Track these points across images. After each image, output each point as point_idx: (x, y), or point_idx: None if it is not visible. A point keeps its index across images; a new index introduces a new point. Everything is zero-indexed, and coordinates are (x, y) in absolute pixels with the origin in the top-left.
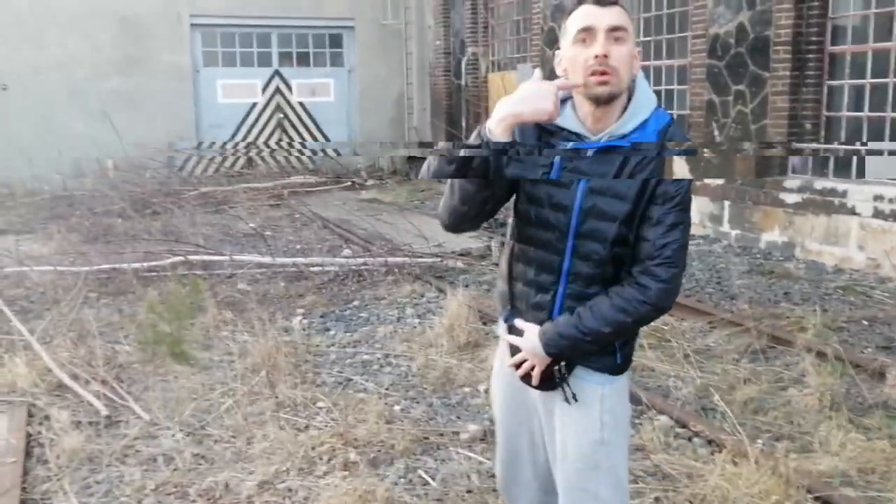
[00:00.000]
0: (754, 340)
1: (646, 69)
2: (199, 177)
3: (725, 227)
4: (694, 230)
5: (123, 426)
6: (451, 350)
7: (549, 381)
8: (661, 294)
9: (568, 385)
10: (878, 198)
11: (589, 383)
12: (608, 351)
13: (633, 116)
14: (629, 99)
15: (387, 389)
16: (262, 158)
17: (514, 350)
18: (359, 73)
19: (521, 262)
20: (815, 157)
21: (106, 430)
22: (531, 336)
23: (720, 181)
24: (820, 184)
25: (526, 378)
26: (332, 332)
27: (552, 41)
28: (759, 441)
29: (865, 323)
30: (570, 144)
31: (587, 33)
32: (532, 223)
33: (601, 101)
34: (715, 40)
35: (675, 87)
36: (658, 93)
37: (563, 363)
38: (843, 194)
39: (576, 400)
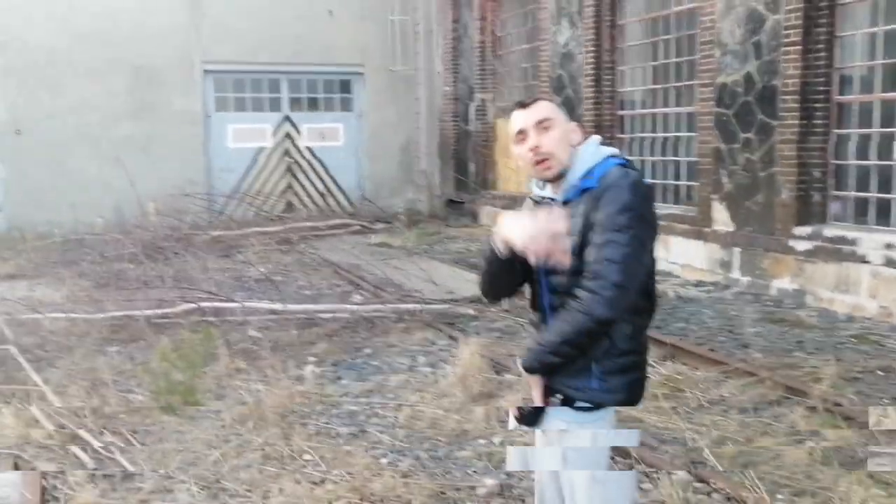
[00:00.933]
0: (769, 391)
1: (653, 116)
2: (238, 220)
3: (735, 274)
4: (704, 276)
5: (138, 479)
6: (464, 400)
7: (533, 416)
8: (592, 303)
9: (543, 413)
10: (889, 246)
11: (574, 414)
12: (583, 376)
13: (576, 172)
14: None
15: (402, 441)
16: (303, 202)
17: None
18: (369, 117)
19: (532, 308)
20: (855, 205)
21: (121, 484)
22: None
23: (730, 228)
24: (830, 231)
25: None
26: (344, 382)
27: (560, 87)
28: (780, 496)
29: (881, 373)
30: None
31: (522, 134)
32: (529, 270)
33: (552, 180)
34: (722, 89)
35: (685, 133)
36: (666, 140)
37: (556, 397)
38: (854, 242)
39: (537, 423)
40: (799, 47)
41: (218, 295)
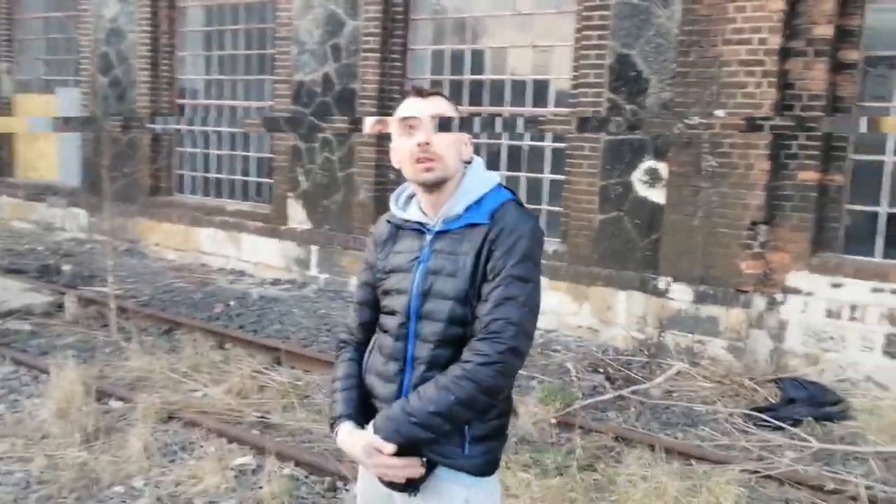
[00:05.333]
0: None
1: (221, 108)
2: None
3: (314, 272)
4: (280, 274)
5: None
6: (79, 441)
7: (407, 481)
8: (485, 371)
9: (420, 482)
10: None
11: (449, 484)
12: (454, 442)
13: (462, 197)
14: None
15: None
16: None
17: None
18: None
19: (374, 351)
20: None
21: None
22: (367, 434)
23: (307, 226)
24: None
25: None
26: None
27: (107, 67)
28: None
29: None
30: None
31: (409, 123)
32: (383, 311)
33: (430, 187)
34: (300, 87)
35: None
36: (233, 135)
37: (422, 460)
38: None
39: (416, 492)
40: (377, 55)
41: None
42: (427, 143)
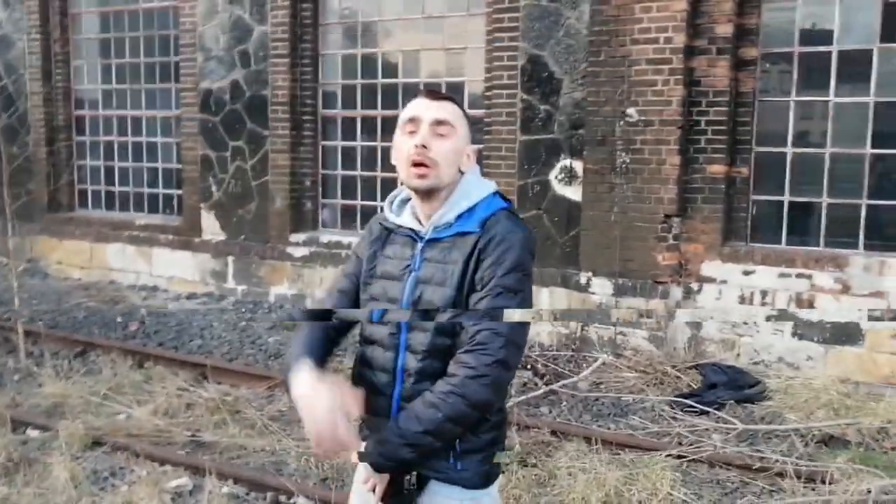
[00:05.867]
0: None
1: (122, 119)
2: None
3: (231, 284)
4: (195, 288)
5: None
6: None
7: (400, 496)
8: (472, 384)
9: (414, 499)
10: None
11: (444, 498)
12: (444, 457)
13: (455, 205)
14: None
15: None
16: None
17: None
18: None
19: (362, 364)
20: (343, 212)
21: None
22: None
23: (221, 237)
24: (326, 237)
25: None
26: None
27: None
28: None
29: None
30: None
31: (413, 124)
32: (372, 321)
33: (421, 194)
34: (207, 95)
35: (161, 139)
36: (139, 145)
37: (411, 475)
38: (349, 246)
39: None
40: (287, 60)
41: None
42: (424, 147)
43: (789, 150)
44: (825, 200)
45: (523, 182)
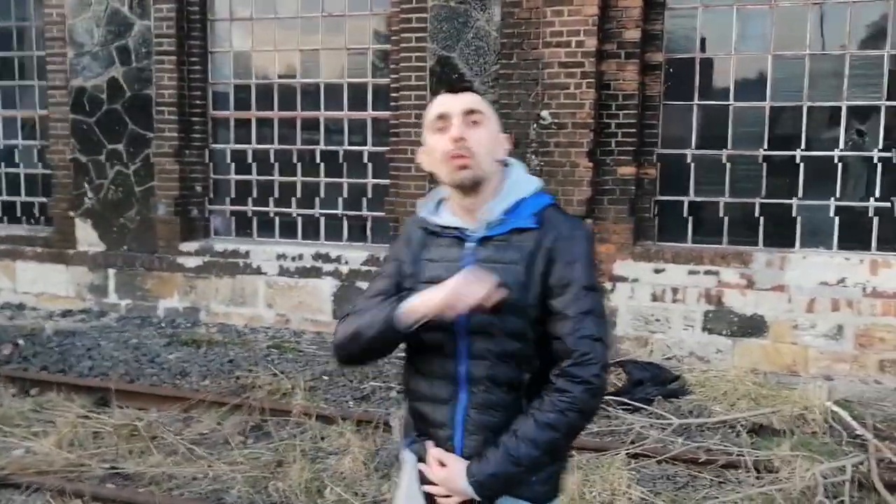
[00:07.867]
0: (248, 416)
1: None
2: None
3: (112, 298)
4: (70, 304)
5: None
6: None
7: None
8: (586, 397)
9: None
10: (281, 256)
11: None
12: None
13: (503, 200)
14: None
15: None
16: None
17: (424, 477)
18: None
19: (417, 374)
20: (237, 219)
21: None
22: (453, 474)
23: (100, 248)
24: (221, 245)
25: None
26: None
27: None
28: None
29: (326, 378)
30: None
31: (443, 120)
32: (424, 327)
33: (466, 188)
34: (81, 94)
35: (22, 142)
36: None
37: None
38: (247, 255)
39: None
40: (174, 58)
41: None
42: (462, 139)
43: (691, 153)
44: (726, 200)
45: (434, 185)
